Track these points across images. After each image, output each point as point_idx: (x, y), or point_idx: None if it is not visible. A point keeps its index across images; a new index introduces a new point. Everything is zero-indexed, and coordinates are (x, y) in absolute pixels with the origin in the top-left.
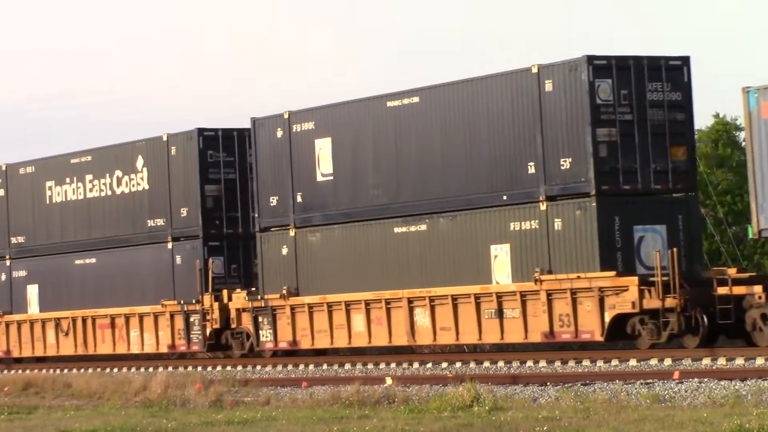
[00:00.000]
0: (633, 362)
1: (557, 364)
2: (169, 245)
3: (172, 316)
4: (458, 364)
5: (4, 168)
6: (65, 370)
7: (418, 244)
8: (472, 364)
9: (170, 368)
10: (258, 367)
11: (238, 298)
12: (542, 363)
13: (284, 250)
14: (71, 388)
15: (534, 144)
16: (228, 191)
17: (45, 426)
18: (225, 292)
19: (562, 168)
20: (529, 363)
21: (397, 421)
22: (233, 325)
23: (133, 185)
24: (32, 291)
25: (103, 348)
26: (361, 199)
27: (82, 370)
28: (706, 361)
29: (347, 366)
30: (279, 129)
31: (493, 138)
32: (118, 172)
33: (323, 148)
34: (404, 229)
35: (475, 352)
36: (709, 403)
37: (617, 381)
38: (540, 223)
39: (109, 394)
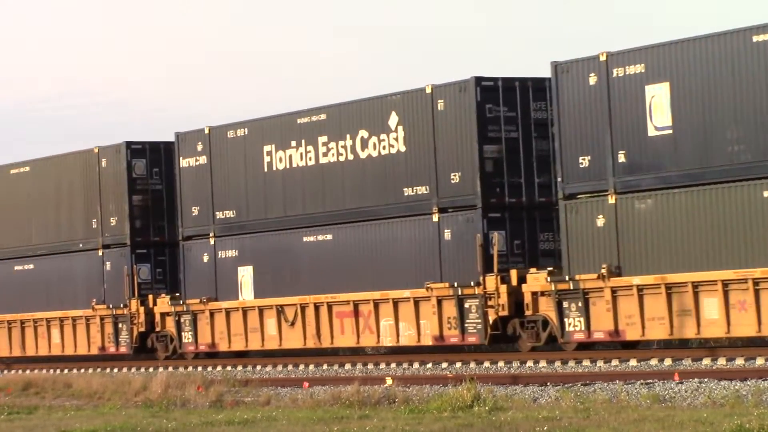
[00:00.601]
0: (633, 362)
1: (557, 364)
2: (435, 217)
3: (439, 302)
4: (458, 364)
5: (207, 131)
6: (65, 371)
7: None
8: (472, 364)
9: (170, 368)
10: (258, 367)
11: (535, 280)
12: (542, 363)
13: (599, 221)
14: (71, 388)
15: None
16: (510, 153)
17: (45, 426)
18: (514, 272)
19: None
20: (529, 363)
21: (397, 421)
22: (527, 312)
23: (384, 147)
24: (245, 274)
25: (343, 340)
26: (714, 157)
27: (83, 370)
28: (706, 362)
29: (347, 366)
30: (592, 74)
31: None
32: (363, 133)
33: (657, 95)
34: None
35: (475, 352)
36: (709, 403)
37: (617, 381)
38: None
39: (110, 394)
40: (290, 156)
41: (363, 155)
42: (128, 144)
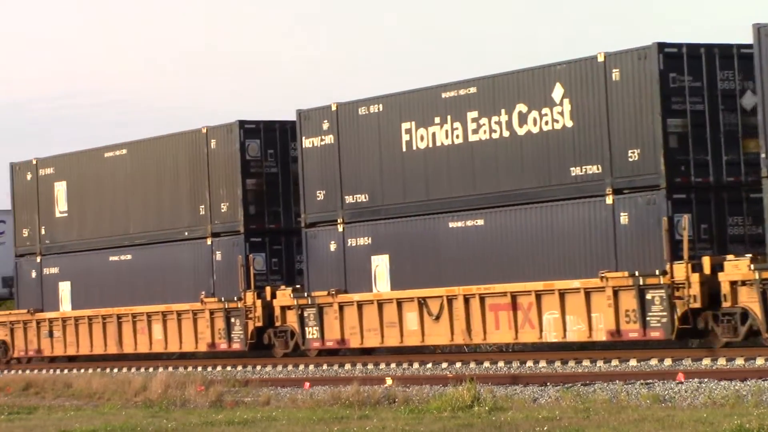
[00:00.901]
0: (633, 362)
1: (557, 364)
2: (609, 199)
3: (615, 293)
4: (458, 364)
5: (334, 108)
6: (65, 371)
7: None
8: (472, 364)
9: (170, 368)
10: (258, 367)
11: (735, 268)
12: (542, 363)
13: None
14: (71, 388)
15: None
16: (695, 127)
17: (45, 426)
18: (707, 259)
19: None
20: (529, 363)
21: (397, 421)
22: (724, 304)
23: (547, 122)
24: (379, 263)
25: (498, 336)
26: None
27: (83, 371)
28: (707, 362)
29: (347, 366)
30: None
31: None
32: (522, 107)
33: None
34: None
35: (475, 353)
36: (710, 403)
37: (617, 381)
38: None
39: (110, 394)
40: (433, 134)
41: (521, 132)
42: (241, 123)
